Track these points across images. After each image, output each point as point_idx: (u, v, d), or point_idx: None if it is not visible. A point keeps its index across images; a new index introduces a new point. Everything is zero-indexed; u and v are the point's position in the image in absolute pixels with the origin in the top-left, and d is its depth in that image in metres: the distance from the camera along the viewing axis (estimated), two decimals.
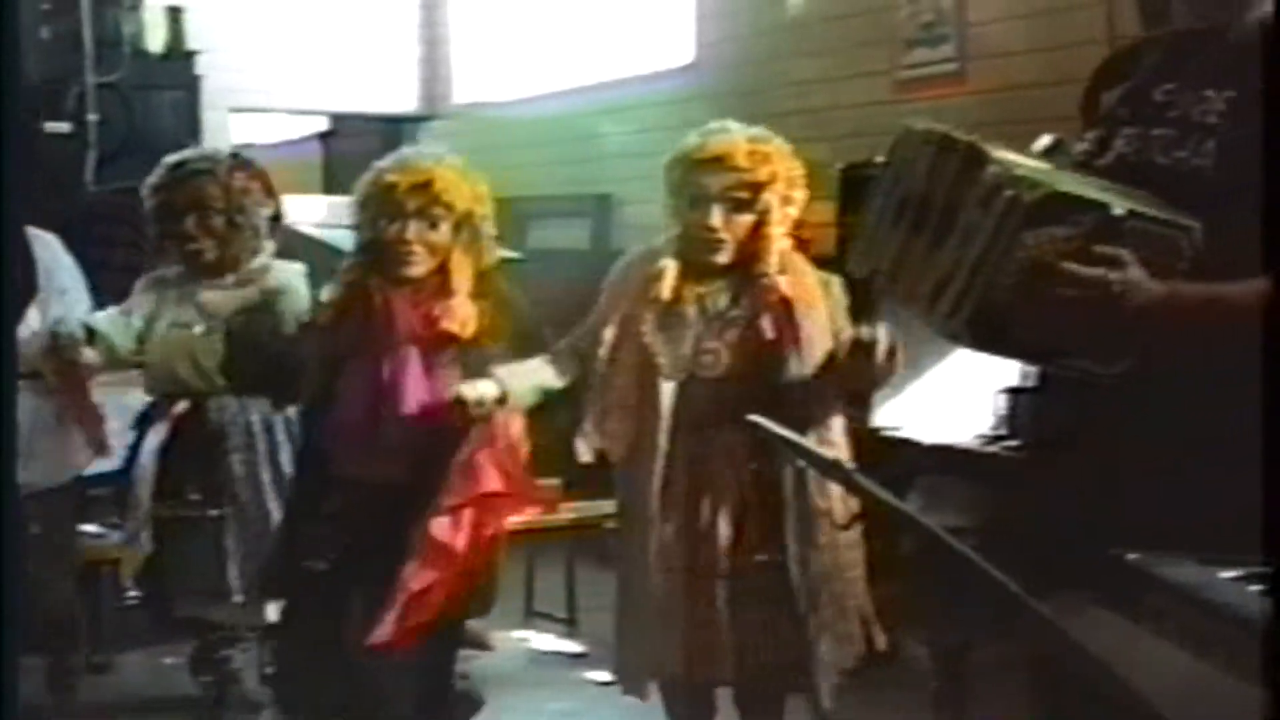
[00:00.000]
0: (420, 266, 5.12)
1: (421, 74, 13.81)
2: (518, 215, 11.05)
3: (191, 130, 11.48)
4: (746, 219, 4.82)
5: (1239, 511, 3.10)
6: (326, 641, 5.05)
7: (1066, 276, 3.15)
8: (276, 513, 5.67)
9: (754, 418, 3.24)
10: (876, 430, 7.77)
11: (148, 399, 5.94)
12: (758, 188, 4.81)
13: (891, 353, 4.47)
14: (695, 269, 4.91)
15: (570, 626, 7.02)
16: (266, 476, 5.81)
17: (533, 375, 4.99)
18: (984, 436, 6.92)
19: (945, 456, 7.21)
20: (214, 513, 5.75)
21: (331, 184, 13.28)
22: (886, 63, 8.63)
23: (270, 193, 6.00)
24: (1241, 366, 3.24)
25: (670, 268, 4.90)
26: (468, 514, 4.96)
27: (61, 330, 5.59)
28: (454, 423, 4.84)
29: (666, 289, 4.89)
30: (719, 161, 4.83)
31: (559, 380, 5.02)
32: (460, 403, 4.78)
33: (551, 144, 11.55)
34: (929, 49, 8.36)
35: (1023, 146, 3.98)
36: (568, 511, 6.84)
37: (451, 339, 5.10)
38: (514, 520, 5.32)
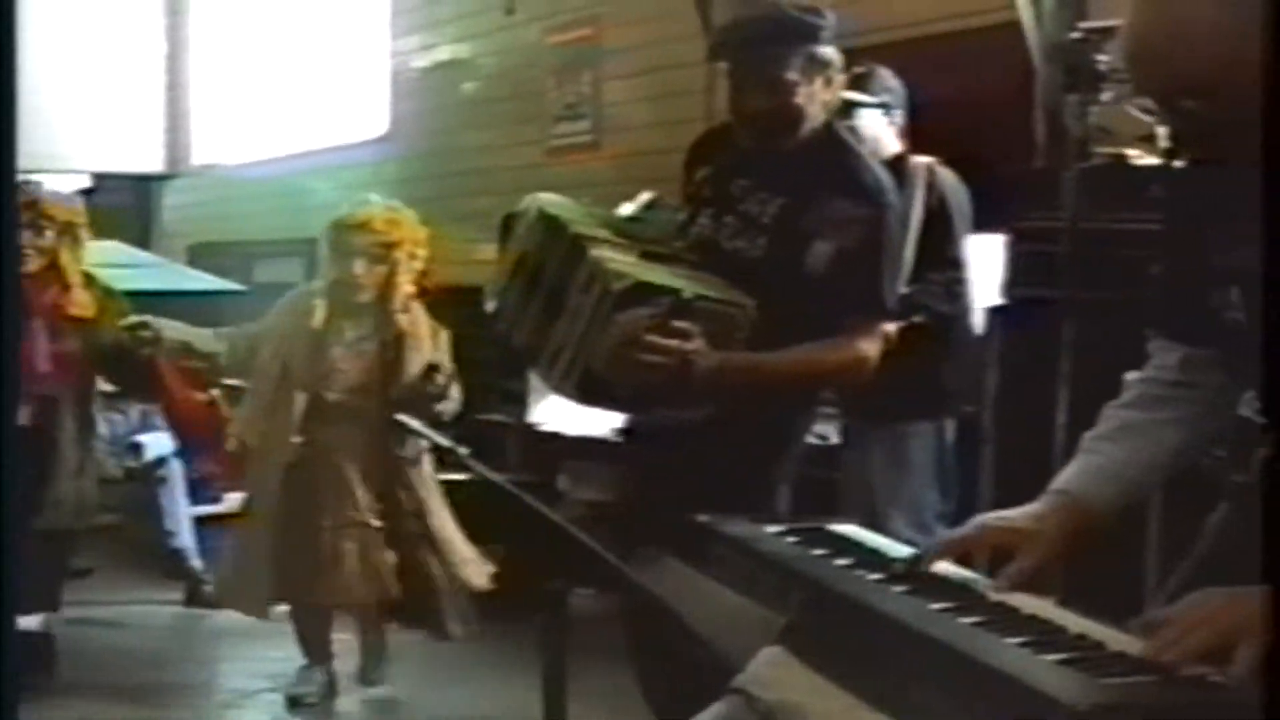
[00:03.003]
0: (33, 264, 5.48)
1: (166, 140, 13.57)
2: (246, 255, 11.00)
3: None
4: (381, 269, 5.23)
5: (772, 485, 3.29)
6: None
7: (648, 346, 3.23)
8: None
9: (400, 416, 3.32)
10: (532, 425, 7.84)
11: None
12: (390, 246, 5.23)
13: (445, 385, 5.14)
14: (341, 307, 5.30)
15: None
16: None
17: (187, 333, 5.50)
18: (616, 429, 6.99)
19: (587, 446, 7.30)
20: None
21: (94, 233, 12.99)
22: (539, 134, 8.70)
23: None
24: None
25: (321, 305, 5.28)
26: None
27: None
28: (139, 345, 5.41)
29: (318, 319, 5.27)
30: (362, 226, 5.24)
31: (209, 346, 5.49)
32: (139, 326, 5.34)
33: (273, 198, 11.41)
34: (571, 124, 8.45)
35: None
36: None
37: (75, 320, 5.55)
38: None
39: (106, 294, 5.71)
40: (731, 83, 3.54)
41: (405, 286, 5.29)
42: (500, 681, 5.44)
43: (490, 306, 3.73)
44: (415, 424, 2.62)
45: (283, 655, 6.09)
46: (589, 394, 3.46)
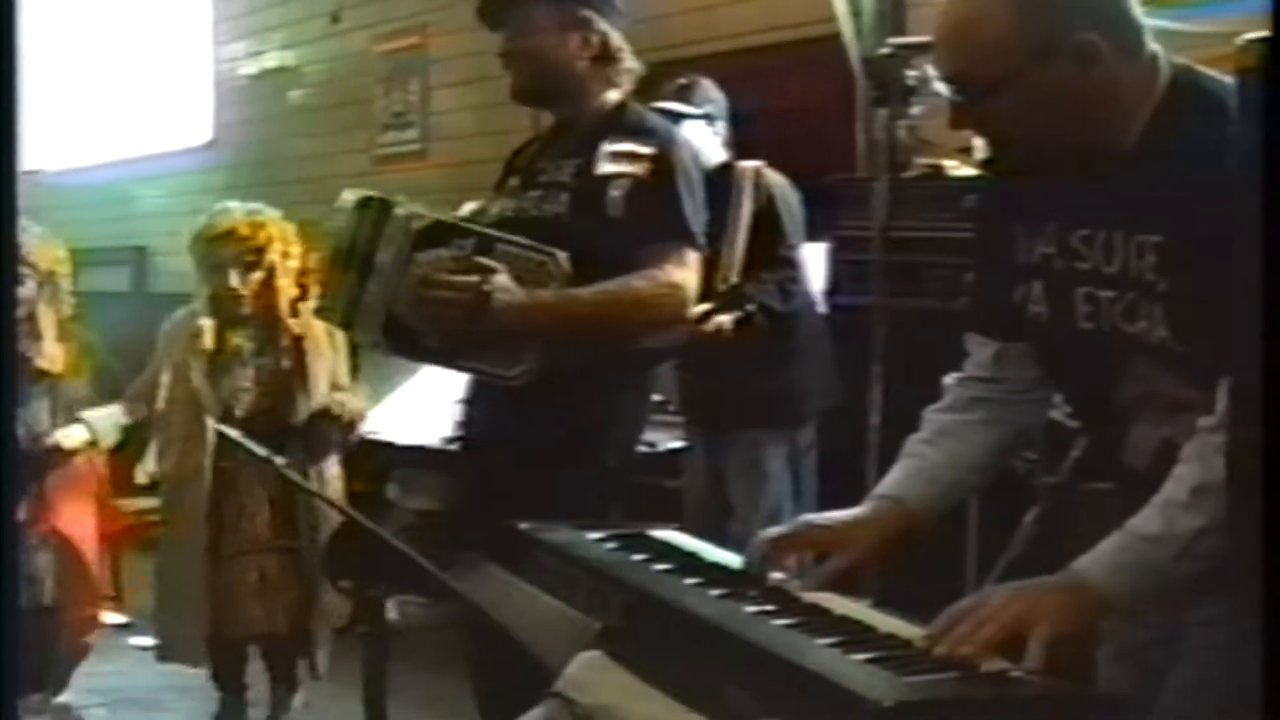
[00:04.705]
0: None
1: None
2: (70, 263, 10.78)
3: None
4: (258, 275, 4.95)
5: (600, 491, 3.32)
6: None
7: (445, 283, 3.27)
8: None
9: (213, 424, 3.27)
10: (362, 434, 7.79)
11: None
12: (260, 251, 4.95)
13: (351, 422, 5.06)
14: (228, 322, 5.03)
15: (116, 602, 6.77)
16: None
17: (112, 417, 5.16)
18: (446, 437, 6.97)
19: (417, 454, 7.27)
20: None
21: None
22: (366, 142, 8.68)
23: None
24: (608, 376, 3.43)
25: (209, 325, 5.01)
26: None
27: None
28: (54, 463, 5.08)
29: (209, 340, 5.00)
30: (227, 235, 4.95)
31: (130, 419, 5.18)
32: (56, 450, 5.04)
33: (97, 205, 11.22)
34: (399, 132, 8.44)
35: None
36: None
37: (42, 374, 5.11)
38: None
39: (83, 348, 5.34)
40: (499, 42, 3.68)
41: (288, 290, 5.02)
42: (324, 692, 5.41)
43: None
44: (233, 433, 2.59)
45: (113, 669, 6.00)
46: (396, 343, 3.45)
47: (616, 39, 3.62)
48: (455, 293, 3.27)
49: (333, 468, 5.17)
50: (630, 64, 3.66)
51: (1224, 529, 1.73)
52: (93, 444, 5.13)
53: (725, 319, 4.75)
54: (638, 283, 3.36)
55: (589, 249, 3.36)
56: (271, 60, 9.56)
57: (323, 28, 9.04)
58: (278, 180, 9.23)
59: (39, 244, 5.23)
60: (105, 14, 11.83)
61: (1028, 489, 4.00)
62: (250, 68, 9.80)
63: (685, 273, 3.42)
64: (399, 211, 3.37)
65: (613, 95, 3.64)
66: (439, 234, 3.34)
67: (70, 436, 5.10)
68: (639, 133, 3.50)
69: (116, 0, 11.68)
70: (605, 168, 3.44)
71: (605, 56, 3.60)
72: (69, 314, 5.34)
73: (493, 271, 3.29)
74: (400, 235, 3.33)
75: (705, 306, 4.71)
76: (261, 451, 2.30)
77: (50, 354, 5.18)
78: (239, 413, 4.96)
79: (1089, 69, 2.07)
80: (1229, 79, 1.81)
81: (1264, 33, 1.55)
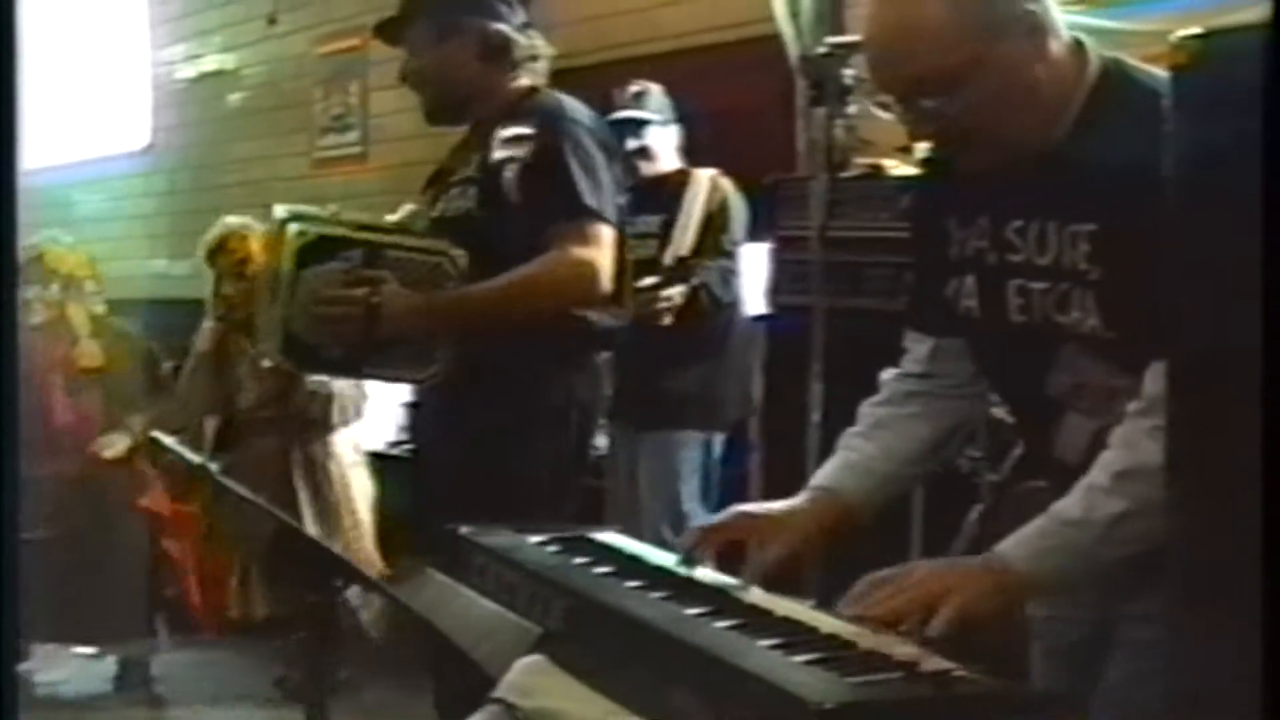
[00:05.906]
0: (40, 317, 5.60)
1: None
2: None
3: None
4: (245, 285, 5.36)
5: (547, 495, 3.32)
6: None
7: (331, 299, 3.28)
8: None
9: (155, 434, 3.28)
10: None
11: None
12: (244, 262, 5.40)
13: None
14: (234, 325, 5.48)
15: None
16: None
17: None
18: (390, 441, 6.97)
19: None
20: None
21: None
22: (306, 145, 8.62)
23: None
24: (528, 376, 3.41)
25: (208, 329, 5.62)
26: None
27: None
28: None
29: (204, 343, 5.60)
30: (220, 248, 5.54)
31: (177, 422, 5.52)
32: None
33: (34, 209, 11.09)
34: (338, 135, 8.39)
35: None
36: None
37: (88, 371, 5.63)
38: None
39: (119, 338, 5.80)
40: None
41: None
42: (265, 696, 5.40)
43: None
44: (167, 440, 2.59)
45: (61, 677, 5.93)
46: (297, 358, 3.49)
47: (497, 31, 3.57)
48: (343, 308, 3.27)
49: (348, 452, 5.70)
50: (527, 50, 3.61)
51: (1152, 514, 1.74)
52: (136, 448, 5.57)
53: (676, 291, 4.83)
54: (537, 269, 3.32)
55: (499, 239, 3.35)
56: (209, 63, 9.49)
57: (261, 30, 8.97)
58: (217, 184, 9.18)
59: (60, 251, 5.77)
60: (41, 17, 11.71)
61: (971, 487, 4.00)
62: (188, 71, 9.72)
63: (590, 249, 3.34)
64: (288, 230, 3.36)
65: (521, 84, 3.60)
66: (326, 248, 3.33)
67: (112, 446, 5.58)
68: (528, 115, 3.46)
69: (52, 3, 11.56)
70: (498, 154, 3.41)
71: (491, 52, 3.56)
72: (101, 311, 5.82)
73: (381, 282, 3.28)
74: (287, 252, 3.33)
75: (652, 280, 4.81)
76: (195, 459, 2.29)
77: (89, 351, 5.65)
78: (245, 403, 5.50)
79: (1039, 41, 2.07)
80: (1160, 71, 1.82)
81: (1196, 29, 1.56)
